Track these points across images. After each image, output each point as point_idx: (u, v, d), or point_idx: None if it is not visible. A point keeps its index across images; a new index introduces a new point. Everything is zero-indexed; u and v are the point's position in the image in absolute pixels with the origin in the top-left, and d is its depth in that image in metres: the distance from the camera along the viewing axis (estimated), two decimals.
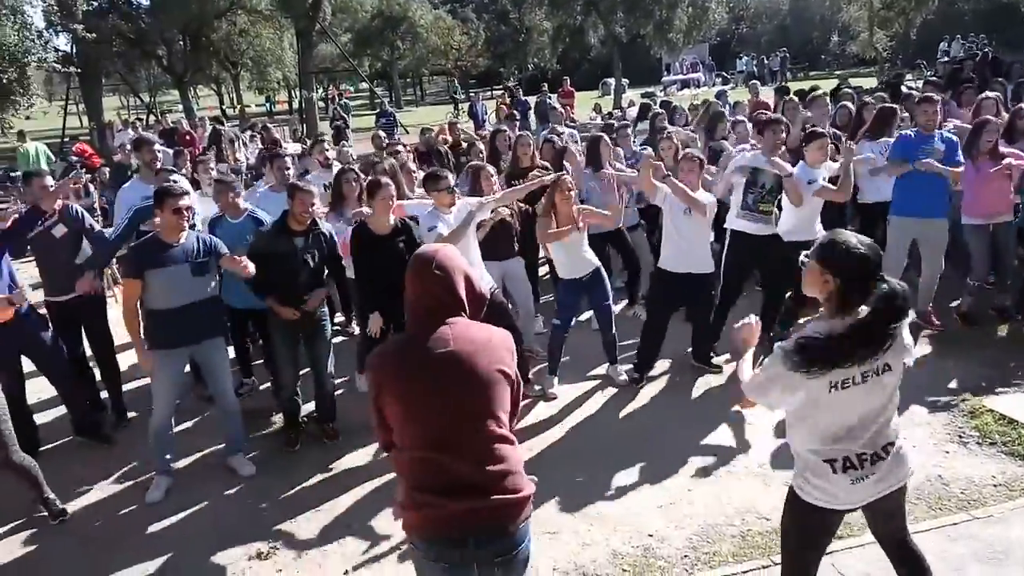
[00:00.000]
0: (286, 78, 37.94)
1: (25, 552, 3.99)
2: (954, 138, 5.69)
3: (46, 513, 4.18)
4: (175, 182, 4.72)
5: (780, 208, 5.46)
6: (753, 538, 3.66)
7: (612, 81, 28.65)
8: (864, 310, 2.30)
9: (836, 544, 3.37)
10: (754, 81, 15.13)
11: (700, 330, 5.52)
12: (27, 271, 6.22)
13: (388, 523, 3.92)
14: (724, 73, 32.32)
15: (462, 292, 2.25)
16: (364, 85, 41.07)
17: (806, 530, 2.61)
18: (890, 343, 2.30)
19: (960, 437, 4.35)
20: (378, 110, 21.54)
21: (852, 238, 2.35)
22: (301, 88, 27.62)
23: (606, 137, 6.58)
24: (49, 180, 5.08)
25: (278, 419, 5.16)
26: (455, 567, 2.10)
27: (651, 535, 3.74)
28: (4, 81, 14.28)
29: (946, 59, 20.84)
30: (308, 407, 5.09)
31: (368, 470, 4.53)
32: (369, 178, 5.14)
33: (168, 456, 4.43)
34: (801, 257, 2.45)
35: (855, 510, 2.55)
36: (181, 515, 4.18)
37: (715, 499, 3.99)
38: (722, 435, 4.63)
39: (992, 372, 5.05)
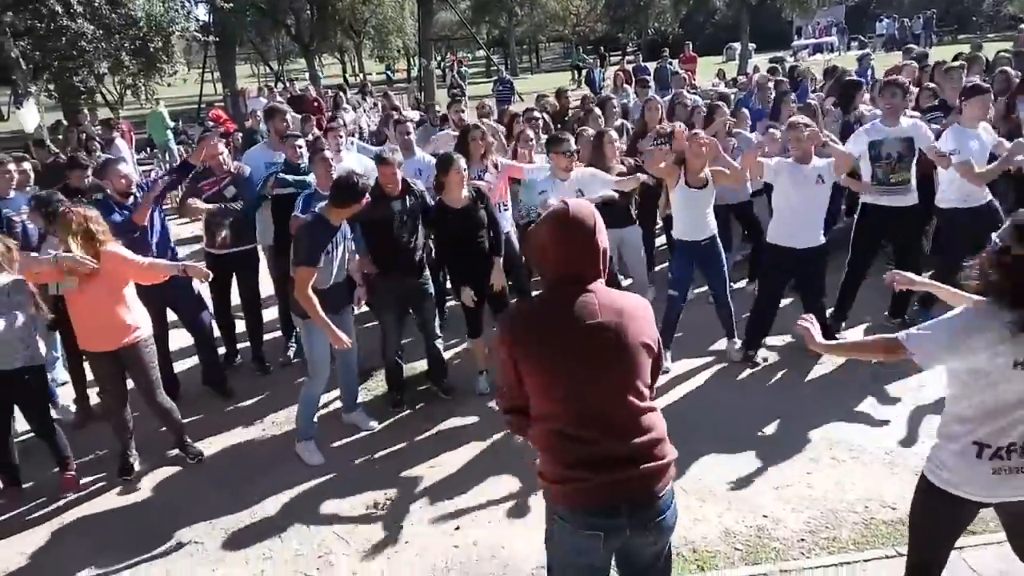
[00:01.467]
0: (406, 46, 38.68)
1: (166, 488, 4.33)
2: None
3: (183, 454, 4.53)
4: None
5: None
6: (877, 527, 3.46)
7: (738, 46, 27.46)
8: None
9: (970, 539, 3.14)
10: (910, 45, 13.84)
11: (811, 306, 5.19)
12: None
13: (497, 483, 3.98)
14: (861, 37, 30.18)
15: (601, 256, 2.12)
16: (480, 52, 41.24)
17: (935, 518, 2.43)
18: None
19: None
20: (495, 77, 21.58)
21: None
22: (420, 56, 28.04)
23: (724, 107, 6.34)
24: (216, 140, 5.45)
25: (373, 383, 5.33)
26: (609, 535, 2.08)
27: (766, 516, 3.60)
28: (151, 50, 15.26)
29: None
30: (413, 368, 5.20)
31: (475, 429, 4.60)
32: (440, 154, 5.12)
33: (315, 421, 4.53)
34: (994, 237, 2.23)
35: (990, 506, 2.35)
36: (304, 465, 4.39)
37: (835, 484, 3.79)
38: (844, 418, 4.39)
39: None
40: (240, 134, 10.68)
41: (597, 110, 7.14)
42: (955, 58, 9.13)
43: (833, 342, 2.66)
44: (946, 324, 2.24)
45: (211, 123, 13.62)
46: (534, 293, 4.97)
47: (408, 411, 4.94)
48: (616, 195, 5.06)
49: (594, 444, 2.05)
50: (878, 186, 5.10)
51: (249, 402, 5.24)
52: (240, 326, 5.80)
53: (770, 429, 4.35)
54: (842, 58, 20.33)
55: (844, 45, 29.45)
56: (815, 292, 5.12)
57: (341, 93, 13.35)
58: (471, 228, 4.69)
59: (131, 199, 4.89)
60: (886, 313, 5.52)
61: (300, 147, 5.54)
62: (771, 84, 8.31)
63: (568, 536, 2.12)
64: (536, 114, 7.38)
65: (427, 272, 4.91)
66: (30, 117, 12.87)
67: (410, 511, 3.88)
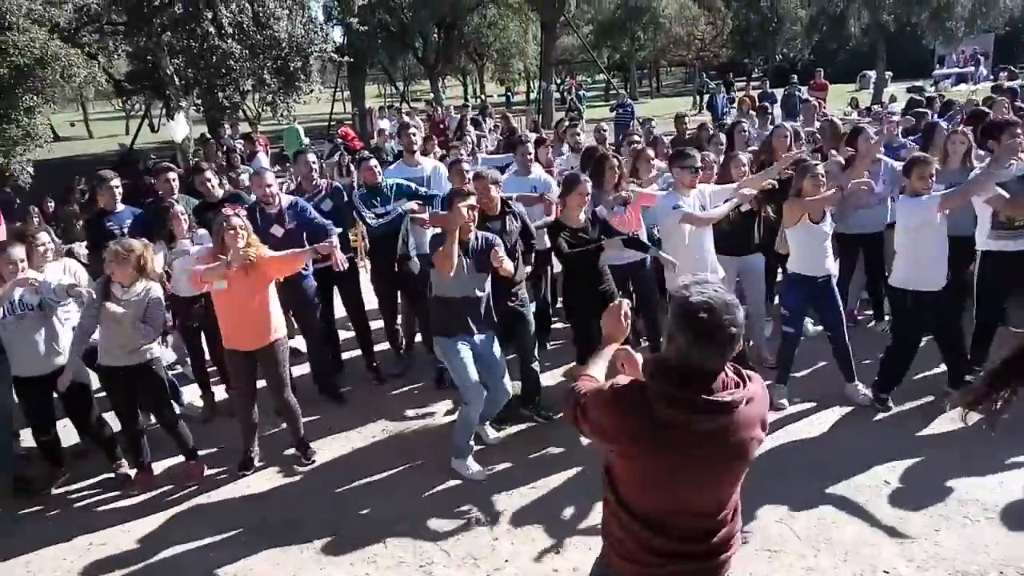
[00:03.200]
0: (527, 69, 39.39)
1: (281, 486, 4.54)
2: None
3: (298, 453, 4.73)
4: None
5: None
6: None
7: (873, 74, 26.20)
8: None
9: None
10: None
11: (949, 352, 4.84)
12: None
13: (597, 510, 3.92)
14: (1011, 67, 28.13)
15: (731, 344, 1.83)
16: (600, 76, 41.37)
17: None
18: None
19: None
20: (614, 101, 21.57)
21: None
22: (540, 79, 28.46)
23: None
24: (312, 157, 5.76)
25: None
26: None
27: (886, 572, 3.36)
28: (291, 69, 16.26)
29: None
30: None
31: (572, 456, 4.54)
32: (567, 173, 5.17)
33: (471, 442, 4.50)
34: None
35: None
36: (412, 476, 4.50)
37: (967, 544, 3.50)
38: (979, 473, 4.03)
39: None
40: (366, 152, 11.18)
41: (721, 136, 7.00)
42: None
43: None
44: None
45: (340, 140, 14.34)
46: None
47: (510, 431, 4.95)
48: (744, 198, 4.97)
49: (674, 534, 1.96)
50: (999, 229, 4.76)
51: (363, 411, 5.41)
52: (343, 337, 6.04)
53: (895, 479, 4.06)
54: (988, 90, 19.00)
55: (991, 75, 27.51)
56: (948, 339, 4.79)
57: (467, 115, 13.77)
58: (586, 248, 4.69)
59: (276, 206, 5.18)
60: None
61: (376, 167, 5.65)
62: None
63: None
64: (636, 138, 7.37)
65: (523, 293, 4.92)
66: (179, 129, 13.96)
67: (510, 531, 3.88)
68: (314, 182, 5.72)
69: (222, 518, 4.18)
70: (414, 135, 6.40)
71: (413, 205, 5.54)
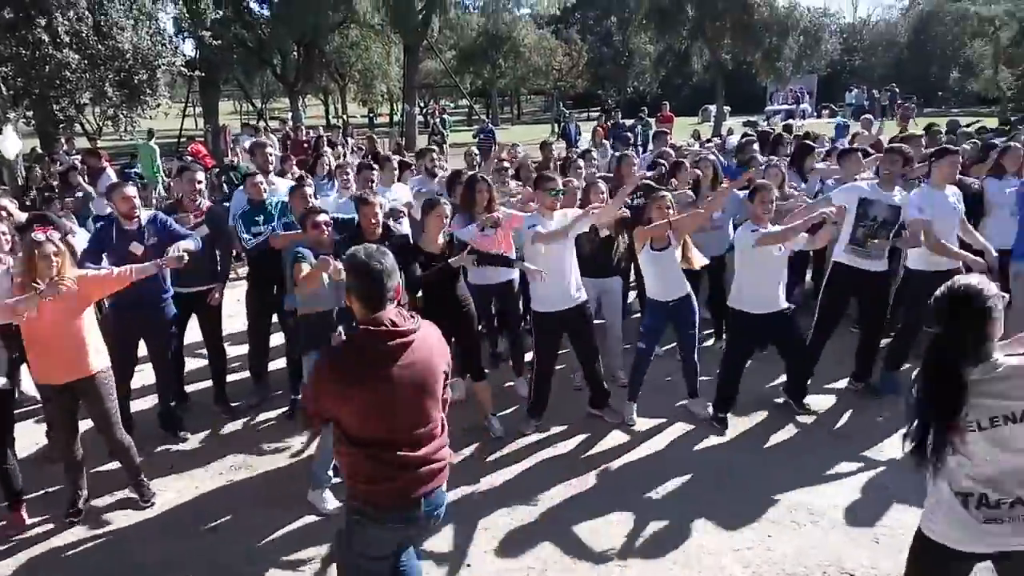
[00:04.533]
0: (390, 91, 39.26)
1: (115, 531, 4.19)
2: None
3: (135, 495, 4.39)
4: None
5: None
6: None
7: (713, 108, 28.18)
8: None
9: None
10: (867, 116, 14.46)
11: (792, 366, 5.26)
12: None
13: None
14: (832, 105, 31.25)
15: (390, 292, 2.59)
16: (463, 101, 41.90)
17: (923, 571, 2.46)
18: None
19: None
20: (477, 127, 21.92)
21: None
22: (404, 102, 28.44)
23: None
24: (201, 176, 5.43)
25: None
26: (409, 523, 2.57)
27: None
28: (135, 82, 15.27)
29: None
30: None
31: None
32: (426, 196, 5.22)
33: (329, 472, 4.35)
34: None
35: (985, 558, 2.36)
36: (263, 515, 4.29)
37: (796, 549, 3.78)
38: (806, 482, 4.39)
39: None
40: (218, 169, 10.69)
41: (580, 162, 7.24)
42: (927, 128, 9.56)
43: None
44: None
45: (190, 157, 13.62)
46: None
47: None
48: (594, 218, 5.11)
49: (398, 456, 2.49)
50: (855, 246, 5.20)
51: (210, 446, 5.12)
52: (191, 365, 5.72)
53: (732, 488, 4.34)
54: (814, 124, 20.99)
55: (815, 112, 30.42)
56: (793, 354, 5.18)
57: (326, 135, 13.49)
58: (443, 270, 4.69)
59: (135, 222, 4.82)
60: (850, 377, 5.59)
61: (261, 183, 5.52)
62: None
63: (374, 529, 2.57)
64: (506, 164, 7.53)
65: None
66: (10, 144, 12.73)
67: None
68: (197, 202, 5.36)
69: (48, 571, 3.81)
70: (270, 154, 6.21)
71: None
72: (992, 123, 17.76)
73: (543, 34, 39.29)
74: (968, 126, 11.94)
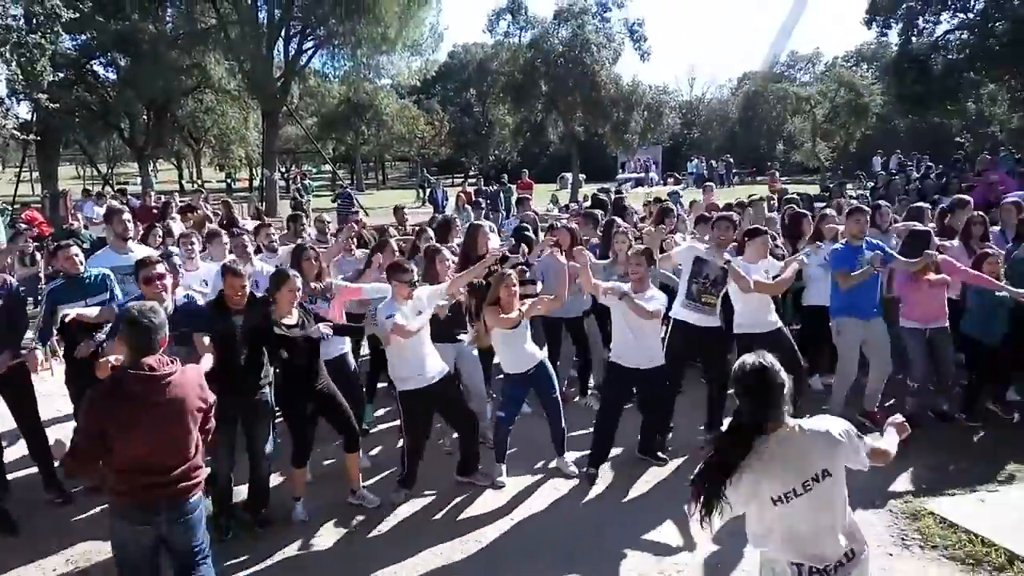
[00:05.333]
0: (249, 156, 38.29)
1: None
2: (876, 242, 5.98)
3: None
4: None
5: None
6: None
7: (570, 176, 29.57)
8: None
9: None
10: (709, 183, 15.74)
11: (651, 423, 5.52)
12: None
13: None
14: (676, 174, 33.70)
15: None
16: (327, 166, 41.57)
17: None
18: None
19: (903, 540, 4.38)
20: (336, 191, 21.81)
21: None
22: (263, 167, 27.82)
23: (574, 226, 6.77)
24: None
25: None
26: (154, 524, 3.14)
27: None
28: None
29: (882, 172, 22.17)
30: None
31: (302, 564, 4.36)
32: (277, 268, 5.15)
33: None
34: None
35: None
36: None
37: None
38: (668, 533, 4.59)
39: (933, 475, 5.14)
40: (51, 237, 9.98)
41: (429, 231, 7.31)
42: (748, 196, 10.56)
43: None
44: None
45: (23, 225, 12.60)
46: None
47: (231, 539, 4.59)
48: (447, 302, 5.23)
49: (152, 473, 3.08)
50: (690, 301, 5.59)
51: (39, 539, 4.64)
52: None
53: (600, 543, 4.46)
54: (661, 191, 22.54)
55: (663, 180, 32.68)
56: (658, 410, 5.44)
57: (186, 200, 12.93)
58: (295, 344, 4.57)
59: None
60: (701, 427, 5.94)
61: (77, 255, 5.18)
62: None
63: (123, 528, 3.18)
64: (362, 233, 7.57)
65: (266, 390, 4.69)
66: None
67: None
68: None
69: None
70: (128, 220, 5.92)
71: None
72: (814, 190, 19.76)
73: (405, 103, 39.95)
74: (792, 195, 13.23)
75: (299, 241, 6.94)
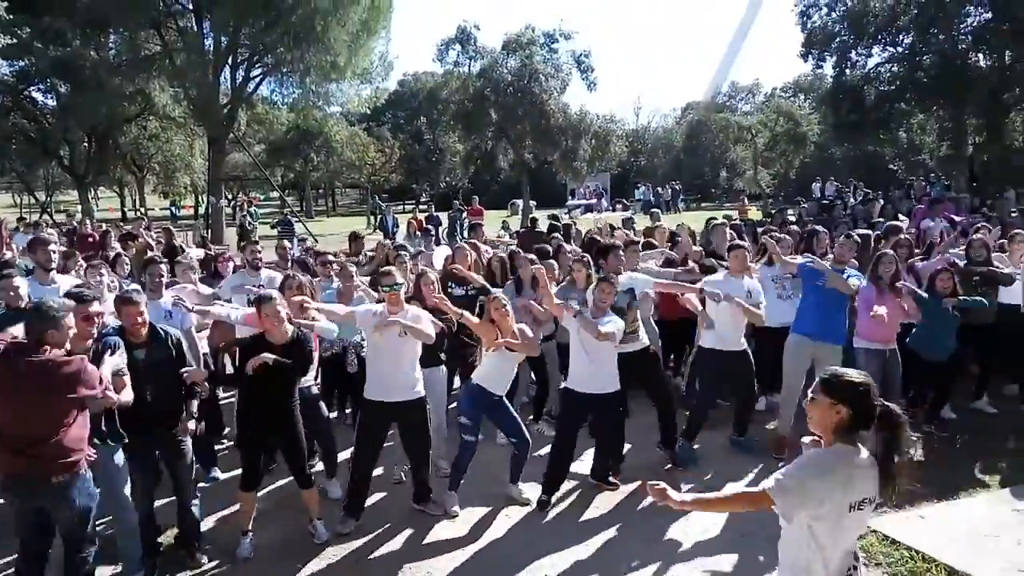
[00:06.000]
0: (194, 183, 37.61)
1: None
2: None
3: None
4: None
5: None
6: None
7: (520, 202, 29.82)
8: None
9: None
10: (655, 209, 16.13)
11: (604, 448, 5.55)
12: None
13: None
14: (624, 200, 34.31)
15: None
16: (275, 193, 41.07)
17: None
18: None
19: None
20: (277, 219, 21.59)
21: (850, 371, 2.63)
22: (209, 194, 27.34)
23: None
24: None
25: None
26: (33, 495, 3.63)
27: None
28: None
29: (820, 197, 22.99)
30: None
31: None
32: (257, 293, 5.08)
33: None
34: (809, 393, 2.65)
35: None
36: None
37: None
38: (621, 557, 4.61)
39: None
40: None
41: (404, 254, 7.34)
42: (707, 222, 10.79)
43: (695, 496, 2.83)
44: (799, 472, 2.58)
45: None
46: None
47: None
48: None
49: (20, 443, 3.51)
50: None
51: None
52: None
53: (552, 568, 4.46)
54: (610, 217, 22.89)
55: (611, 207, 33.23)
56: (610, 435, 5.48)
57: (127, 228, 12.59)
58: (276, 371, 4.44)
59: None
60: (657, 445, 5.99)
61: (17, 288, 5.03)
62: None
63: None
64: (330, 258, 7.50)
65: (180, 428, 4.50)
66: None
67: None
68: None
69: None
70: (53, 251, 5.76)
71: None
72: (757, 216, 20.33)
73: (355, 131, 39.86)
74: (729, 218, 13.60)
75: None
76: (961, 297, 6.11)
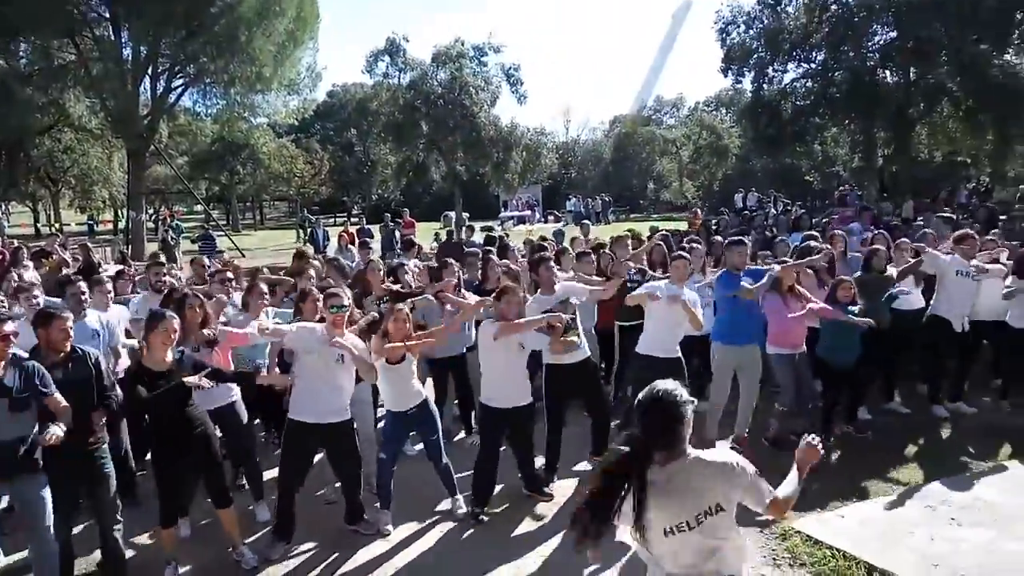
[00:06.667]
0: (113, 197, 36.17)
1: None
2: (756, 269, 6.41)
3: None
4: None
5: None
6: None
7: (453, 214, 29.80)
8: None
9: None
10: (585, 221, 16.39)
11: (524, 460, 5.54)
12: None
13: None
14: (556, 212, 34.72)
15: None
16: (200, 206, 39.86)
17: None
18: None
19: (774, 559, 4.61)
20: (198, 234, 20.97)
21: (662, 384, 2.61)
22: (129, 208, 26.33)
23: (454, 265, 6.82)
24: None
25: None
26: None
27: None
28: None
29: (742, 208, 23.78)
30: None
31: None
32: (151, 310, 4.88)
33: None
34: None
35: None
36: None
37: None
38: (557, 568, 4.63)
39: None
40: None
41: (315, 267, 7.21)
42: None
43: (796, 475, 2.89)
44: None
45: None
46: None
47: None
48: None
49: None
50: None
51: None
52: None
53: None
54: (542, 229, 23.15)
55: (543, 218, 33.59)
56: (525, 447, 5.49)
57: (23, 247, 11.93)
58: (168, 394, 4.29)
59: None
60: (589, 456, 6.04)
61: None
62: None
63: None
64: (229, 275, 7.29)
65: (104, 447, 4.35)
66: None
67: None
68: None
69: None
70: None
71: None
72: (683, 226, 20.83)
73: (283, 142, 39.10)
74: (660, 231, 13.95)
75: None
76: (851, 308, 6.30)
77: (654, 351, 5.90)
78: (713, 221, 17.65)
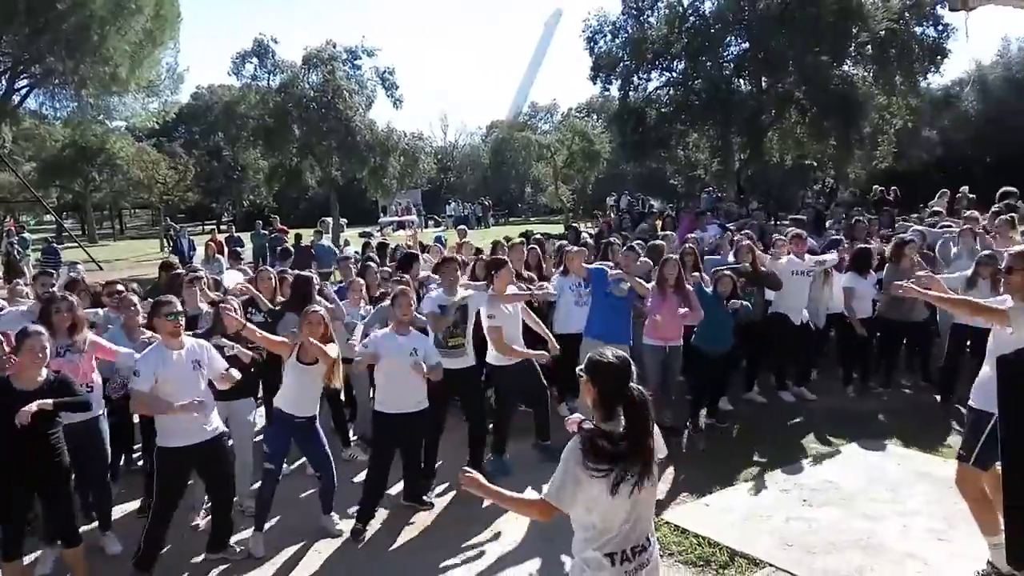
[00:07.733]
0: None
1: None
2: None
3: None
4: None
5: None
6: None
7: (330, 220, 29.13)
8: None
9: None
10: (462, 226, 16.44)
11: (412, 469, 5.55)
12: None
13: None
14: (436, 216, 34.67)
15: None
16: (50, 217, 36.86)
17: None
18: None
19: None
20: (43, 246, 19.46)
21: (608, 352, 2.76)
22: None
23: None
24: None
25: None
26: None
27: None
28: None
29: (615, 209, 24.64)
30: None
31: None
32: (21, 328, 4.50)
33: None
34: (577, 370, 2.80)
35: None
36: None
37: None
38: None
39: (665, 486, 5.66)
40: None
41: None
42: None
43: (498, 490, 2.87)
44: (562, 466, 2.69)
45: None
46: None
47: None
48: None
49: None
50: (439, 348, 5.66)
51: None
52: None
53: None
54: (424, 234, 23.07)
55: (423, 222, 33.46)
56: (416, 456, 5.51)
57: None
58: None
59: None
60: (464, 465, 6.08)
61: None
62: None
63: None
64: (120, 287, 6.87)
65: (63, 447, 4.13)
66: None
67: None
68: None
69: None
70: None
71: None
72: (559, 229, 21.40)
73: (143, 147, 36.80)
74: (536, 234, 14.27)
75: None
76: (733, 302, 6.77)
77: (498, 361, 6.04)
78: (588, 225, 18.25)
